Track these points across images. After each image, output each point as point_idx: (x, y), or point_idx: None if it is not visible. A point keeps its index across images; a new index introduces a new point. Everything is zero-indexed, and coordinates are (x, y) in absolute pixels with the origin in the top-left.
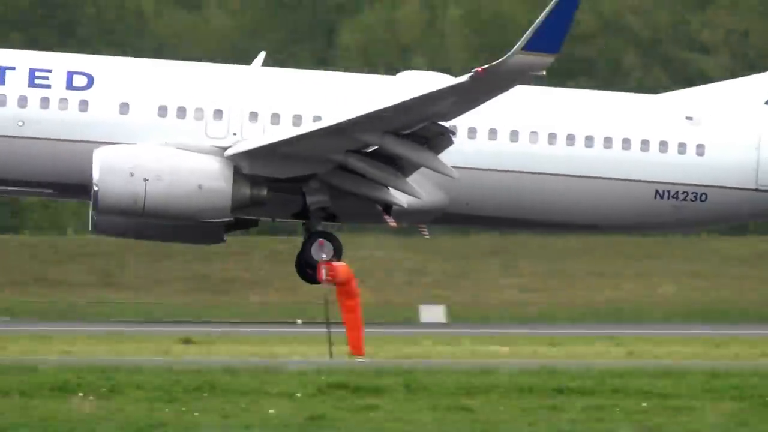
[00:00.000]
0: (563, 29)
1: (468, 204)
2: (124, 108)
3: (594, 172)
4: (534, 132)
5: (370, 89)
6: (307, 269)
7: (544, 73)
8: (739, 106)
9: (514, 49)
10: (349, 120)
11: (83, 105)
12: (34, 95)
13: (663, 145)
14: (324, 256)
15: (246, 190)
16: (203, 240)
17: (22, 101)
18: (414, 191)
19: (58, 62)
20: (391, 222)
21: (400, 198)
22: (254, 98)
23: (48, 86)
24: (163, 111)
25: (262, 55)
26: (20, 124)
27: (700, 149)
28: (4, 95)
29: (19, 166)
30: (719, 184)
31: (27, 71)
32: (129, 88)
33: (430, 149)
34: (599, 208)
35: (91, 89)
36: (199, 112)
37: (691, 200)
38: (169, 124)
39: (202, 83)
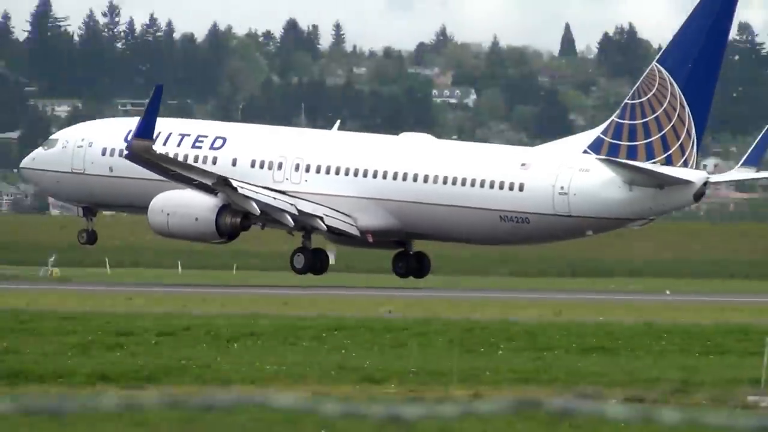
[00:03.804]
0: (152, 122)
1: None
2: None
3: (466, 203)
4: (437, 175)
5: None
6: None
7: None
8: (557, 155)
9: (132, 135)
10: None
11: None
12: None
13: (501, 184)
14: (296, 265)
15: (227, 220)
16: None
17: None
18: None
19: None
20: (370, 239)
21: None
22: (298, 152)
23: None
24: (253, 164)
25: (338, 122)
26: None
27: (521, 186)
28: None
29: None
30: (533, 211)
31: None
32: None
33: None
34: (473, 227)
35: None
36: (270, 164)
37: (521, 223)
38: (257, 173)
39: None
